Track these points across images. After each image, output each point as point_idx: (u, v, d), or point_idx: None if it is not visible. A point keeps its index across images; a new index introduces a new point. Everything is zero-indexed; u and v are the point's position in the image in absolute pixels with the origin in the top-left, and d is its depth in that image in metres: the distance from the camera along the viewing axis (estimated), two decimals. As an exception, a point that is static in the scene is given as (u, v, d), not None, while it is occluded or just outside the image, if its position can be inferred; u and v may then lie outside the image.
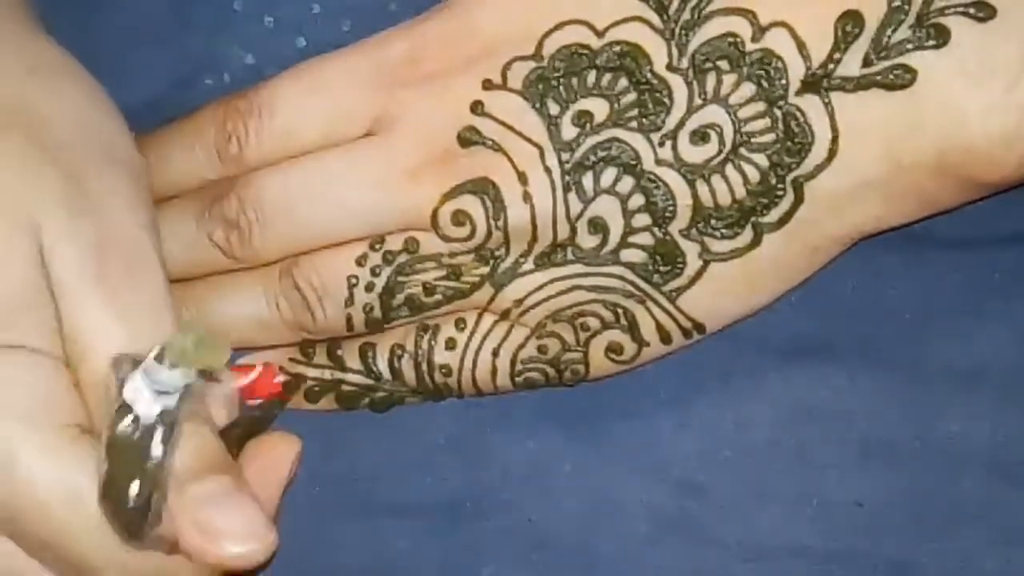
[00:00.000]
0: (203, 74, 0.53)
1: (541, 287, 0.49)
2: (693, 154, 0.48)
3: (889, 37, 0.46)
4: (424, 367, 0.50)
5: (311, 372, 0.51)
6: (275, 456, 0.48)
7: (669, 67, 0.47)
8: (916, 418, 0.52)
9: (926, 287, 0.52)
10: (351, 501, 0.53)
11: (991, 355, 0.52)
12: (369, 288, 0.50)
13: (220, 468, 0.45)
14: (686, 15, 0.47)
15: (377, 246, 0.49)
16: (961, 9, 0.46)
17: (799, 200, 0.47)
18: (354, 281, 0.50)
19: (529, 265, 0.49)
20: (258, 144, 0.50)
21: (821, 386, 0.52)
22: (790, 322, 0.51)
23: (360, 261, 0.49)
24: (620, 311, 0.49)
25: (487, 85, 0.48)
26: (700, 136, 0.48)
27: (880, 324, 0.52)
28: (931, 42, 0.46)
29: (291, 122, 0.50)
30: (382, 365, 0.51)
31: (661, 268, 0.48)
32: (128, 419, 0.43)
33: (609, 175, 0.48)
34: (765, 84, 0.47)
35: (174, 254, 0.51)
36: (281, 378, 0.51)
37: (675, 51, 0.47)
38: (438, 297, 0.50)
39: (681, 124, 0.47)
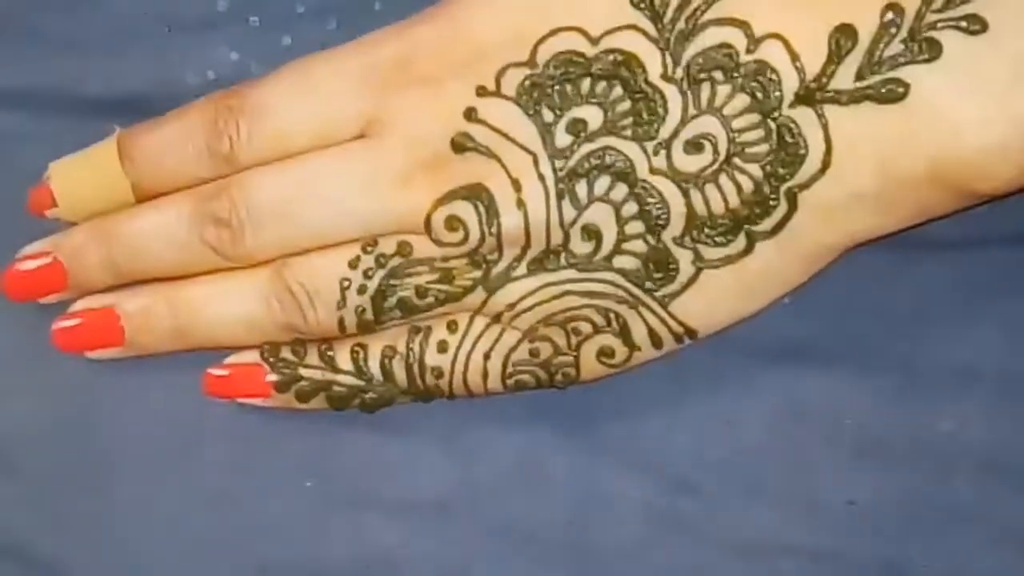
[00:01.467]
0: (188, 72, 0.53)
1: (533, 292, 0.49)
2: (687, 163, 0.47)
3: (882, 51, 0.46)
4: (416, 369, 0.50)
5: (303, 372, 0.51)
6: None
7: (664, 76, 0.47)
8: (908, 418, 0.52)
9: (918, 287, 0.52)
10: (342, 497, 0.53)
11: (983, 355, 0.52)
12: (361, 290, 0.50)
13: None
14: (681, 24, 0.47)
15: (369, 248, 0.49)
16: (952, 23, 0.45)
17: (792, 209, 0.47)
18: (346, 283, 0.49)
19: (522, 270, 0.49)
20: (249, 144, 0.50)
21: (812, 385, 0.52)
22: (781, 322, 0.51)
23: (352, 263, 0.49)
24: (612, 316, 0.49)
25: (480, 91, 0.48)
26: (694, 146, 0.47)
27: (872, 324, 0.52)
28: (923, 56, 0.46)
29: (282, 124, 0.50)
30: (373, 366, 0.51)
31: (654, 274, 0.48)
32: None
33: (603, 183, 0.48)
34: (759, 96, 0.47)
35: (165, 253, 0.51)
36: (272, 377, 0.51)
37: (670, 60, 0.47)
38: (430, 300, 0.49)
39: (675, 133, 0.47)
